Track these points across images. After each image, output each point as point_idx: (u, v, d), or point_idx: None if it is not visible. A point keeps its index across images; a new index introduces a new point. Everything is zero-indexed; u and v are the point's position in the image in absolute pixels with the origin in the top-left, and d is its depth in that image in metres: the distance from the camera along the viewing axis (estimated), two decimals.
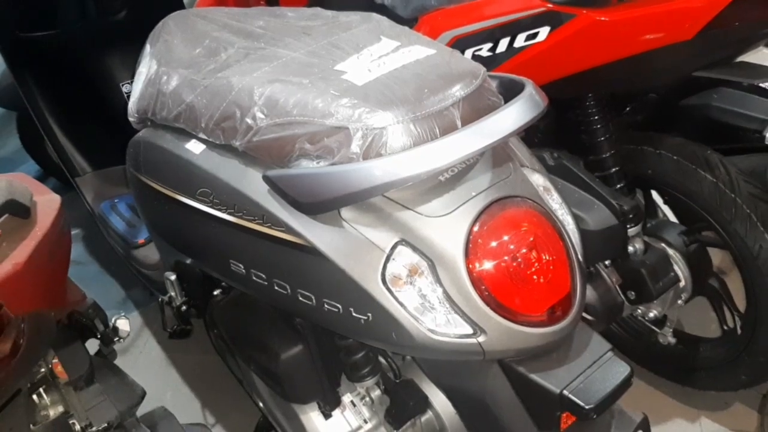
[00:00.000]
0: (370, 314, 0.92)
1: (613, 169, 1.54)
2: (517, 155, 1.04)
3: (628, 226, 1.46)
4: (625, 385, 0.96)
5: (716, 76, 1.39)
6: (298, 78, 0.96)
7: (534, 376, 0.95)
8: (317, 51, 1.04)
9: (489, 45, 1.44)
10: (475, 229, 0.90)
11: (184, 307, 1.41)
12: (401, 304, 0.90)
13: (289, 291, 1.00)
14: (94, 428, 1.12)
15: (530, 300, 0.92)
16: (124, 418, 1.15)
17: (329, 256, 0.91)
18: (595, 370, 0.96)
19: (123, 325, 1.29)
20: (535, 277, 0.92)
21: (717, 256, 1.71)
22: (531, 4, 1.37)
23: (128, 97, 1.29)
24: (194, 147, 1.09)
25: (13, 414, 1.09)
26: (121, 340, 1.30)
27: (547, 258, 0.93)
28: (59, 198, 1.11)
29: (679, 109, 1.52)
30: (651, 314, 1.59)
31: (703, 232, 1.57)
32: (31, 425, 1.12)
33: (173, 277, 1.37)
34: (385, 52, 1.00)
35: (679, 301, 1.59)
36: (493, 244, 0.90)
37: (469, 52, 1.47)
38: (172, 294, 1.40)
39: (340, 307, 0.94)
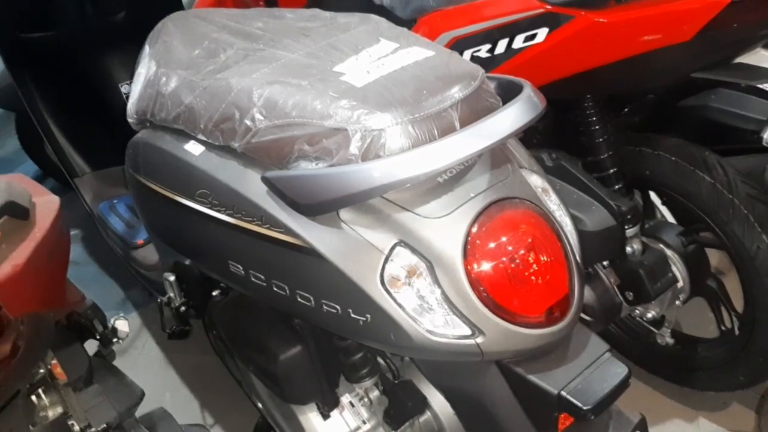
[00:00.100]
0: (368, 315, 0.92)
1: (612, 170, 1.54)
2: (516, 156, 1.04)
3: (626, 226, 1.47)
4: (623, 385, 0.96)
5: (714, 78, 1.39)
6: (297, 79, 0.97)
7: (532, 377, 0.95)
8: (316, 52, 1.05)
9: (488, 46, 1.45)
10: (474, 230, 0.90)
11: (183, 308, 1.41)
12: (400, 305, 0.90)
13: (287, 292, 1.00)
14: (93, 429, 1.12)
15: (528, 301, 0.92)
16: (123, 418, 1.15)
17: (328, 258, 0.91)
18: (593, 371, 0.96)
19: (122, 325, 1.29)
20: (533, 278, 0.92)
21: (715, 257, 1.72)
22: (529, 6, 1.37)
23: (127, 97, 1.29)
24: (193, 148, 1.09)
25: (12, 415, 1.09)
26: (120, 340, 1.30)
27: (546, 259, 0.93)
28: (58, 199, 1.11)
29: (677, 110, 1.52)
30: (649, 315, 1.60)
31: (701, 232, 1.57)
32: (30, 426, 1.12)
33: (172, 278, 1.37)
34: (383, 54, 1.00)
35: (677, 302, 1.60)
36: (492, 245, 0.90)
37: (467, 53, 1.47)
38: (171, 295, 1.40)
39: (338, 308, 0.94)
